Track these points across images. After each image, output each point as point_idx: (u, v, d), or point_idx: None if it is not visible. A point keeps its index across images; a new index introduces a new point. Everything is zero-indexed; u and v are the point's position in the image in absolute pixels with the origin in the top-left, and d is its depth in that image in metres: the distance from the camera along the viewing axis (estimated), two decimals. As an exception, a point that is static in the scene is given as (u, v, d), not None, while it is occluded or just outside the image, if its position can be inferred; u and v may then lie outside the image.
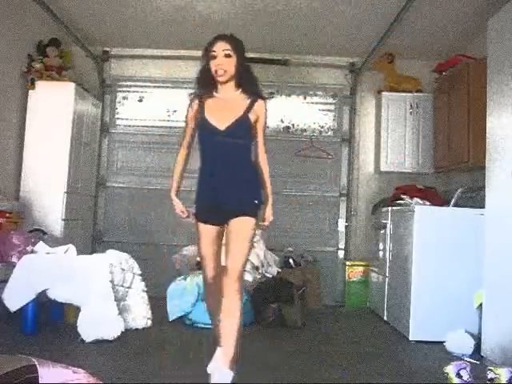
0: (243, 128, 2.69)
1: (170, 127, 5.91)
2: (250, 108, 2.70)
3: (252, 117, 2.70)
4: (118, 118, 5.96)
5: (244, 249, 2.64)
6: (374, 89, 5.81)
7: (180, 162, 2.99)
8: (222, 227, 2.76)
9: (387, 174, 5.68)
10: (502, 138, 3.41)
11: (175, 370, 3.07)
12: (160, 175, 5.87)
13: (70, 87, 4.98)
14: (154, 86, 5.95)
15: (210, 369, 2.60)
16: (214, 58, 2.68)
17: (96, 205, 5.83)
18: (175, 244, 5.61)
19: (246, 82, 2.77)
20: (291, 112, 5.91)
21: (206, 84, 2.77)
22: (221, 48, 2.68)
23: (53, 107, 4.91)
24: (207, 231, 2.78)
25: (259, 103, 2.73)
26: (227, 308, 2.56)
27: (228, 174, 2.69)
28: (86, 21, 5.11)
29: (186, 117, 2.84)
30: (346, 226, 5.79)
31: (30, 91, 4.91)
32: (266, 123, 2.80)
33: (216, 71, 2.68)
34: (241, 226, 2.65)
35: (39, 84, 4.92)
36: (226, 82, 2.72)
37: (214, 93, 2.76)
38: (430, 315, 3.93)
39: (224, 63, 2.67)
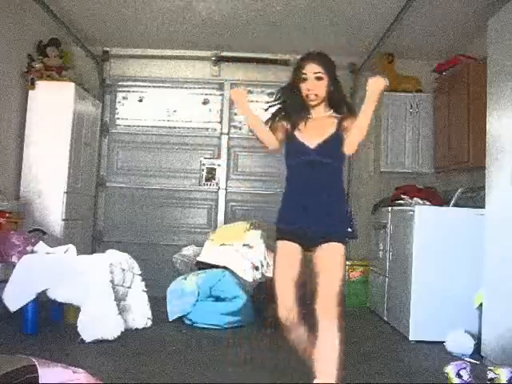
0: (335, 146, 2.49)
1: (170, 127, 5.92)
2: (340, 124, 2.52)
3: (345, 134, 2.51)
4: (117, 118, 5.96)
5: (339, 276, 2.45)
6: (374, 89, 5.80)
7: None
8: (305, 252, 2.49)
9: (387, 174, 5.67)
10: (501, 138, 3.41)
11: (175, 370, 3.07)
12: (160, 175, 5.88)
13: (70, 87, 4.98)
14: (154, 86, 5.96)
15: None
16: (305, 80, 2.52)
17: (96, 205, 5.83)
18: (175, 244, 5.62)
19: (338, 102, 2.60)
20: (291, 112, 5.91)
21: (296, 107, 2.56)
22: (312, 71, 2.51)
23: (53, 107, 4.90)
24: (290, 250, 2.46)
25: (349, 118, 2.53)
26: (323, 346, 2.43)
27: (319, 195, 2.47)
28: (86, 21, 5.11)
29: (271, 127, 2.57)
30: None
31: (30, 91, 4.91)
32: None
33: (307, 95, 2.52)
34: (332, 252, 2.46)
35: (39, 84, 4.92)
36: (317, 105, 2.57)
37: (310, 114, 2.57)
38: (430, 315, 3.93)
39: (315, 87, 2.51)
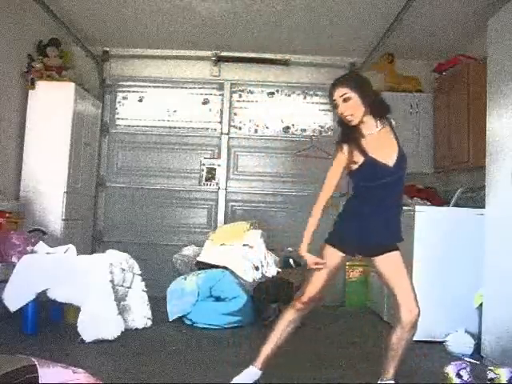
0: (405, 162, 2.66)
1: (170, 127, 5.92)
2: (398, 140, 2.66)
3: None
4: (118, 118, 5.96)
5: (410, 283, 2.63)
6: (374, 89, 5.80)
7: (317, 217, 2.71)
8: (344, 258, 2.72)
9: (387, 173, 5.66)
10: (502, 138, 3.41)
11: (175, 370, 3.06)
12: (160, 175, 5.88)
13: (69, 87, 4.98)
14: (154, 86, 5.96)
15: None
16: (337, 106, 2.60)
17: (96, 205, 5.83)
18: (175, 244, 5.62)
19: (380, 111, 2.65)
20: (291, 112, 5.92)
21: (347, 130, 2.62)
22: (338, 95, 2.59)
23: (53, 107, 4.91)
24: (333, 257, 2.69)
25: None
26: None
27: (392, 211, 2.66)
28: (86, 21, 5.11)
29: (338, 158, 2.63)
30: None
31: (30, 91, 4.91)
32: None
33: (345, 118, 2.59)
34: (398, 260, 2.66)
35: (39, 84, 4.92)
36: (360, 122, 2.60)
37: (363, 131, 2.60)
38: (429, 315, 3.92)
39: (346, 109, 2.57)
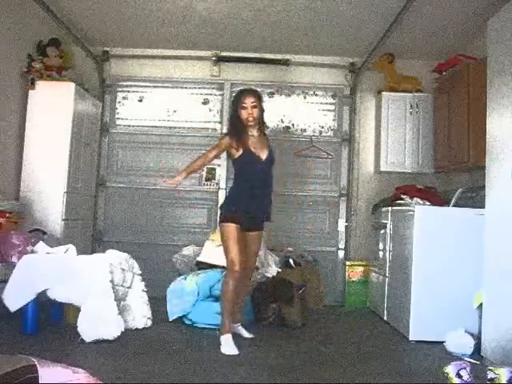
0: (273, 158, 3.83)
1: (170, 127, 5.92)
2: (269, 145, 3.84)
3: None
4: (117, 118, 5.96)
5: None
6: (374, 89, 5.81)
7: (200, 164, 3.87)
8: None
9: (387, 173, 5.67)
10: (501, 138, 3.41)
11: (175, 370, 3.07)
12: (160, 175, 5.87)
13: (70, 87, 4.98)
14: (154, 86, 5.96)
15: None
16: (245, 108, 3.68)
17: (96, 205, 5.83)
18: (175, 244, 5.62)
19: (263, 125, 3.84)
20: (291, 112, 5.92)
21: (239, 127, 3.70)
22: (249, 101, 3.69)
23: (53, 107, 4.90)
24: (235, 230, 3.73)
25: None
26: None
27: (264, 190, 3.75)
28: (86, 21, 5.11)
29: (221, 144, 3.77)
30: (346, 226, 5.79)
31: (30, 91, 4.91)
32: None
33: (247, 118, 3.68)
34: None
35: (39, 84, 4.92)
36: (254, 125, 3.74)
37: (249, 132, 3.74)
38: (430, 315, 3.93)
39: (253, 112, 3.69)
